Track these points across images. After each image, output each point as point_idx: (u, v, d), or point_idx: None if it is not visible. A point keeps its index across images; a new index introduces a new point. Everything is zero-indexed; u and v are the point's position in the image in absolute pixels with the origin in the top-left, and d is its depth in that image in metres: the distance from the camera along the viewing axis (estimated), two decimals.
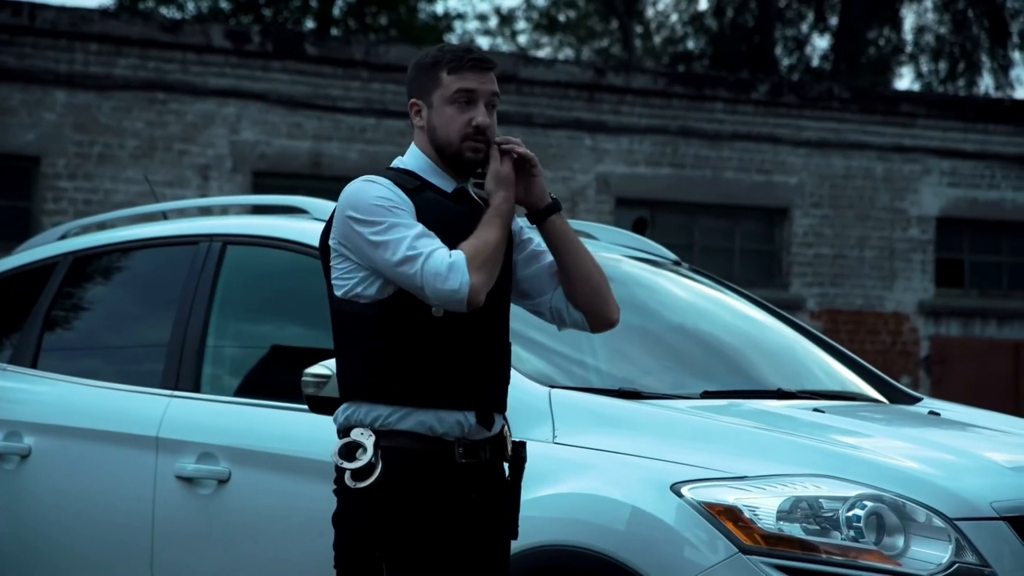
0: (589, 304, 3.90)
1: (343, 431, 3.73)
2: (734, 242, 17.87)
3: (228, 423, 4.97)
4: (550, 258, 3.92)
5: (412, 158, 3.86)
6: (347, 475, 3.67)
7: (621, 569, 4.10)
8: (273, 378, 5.09)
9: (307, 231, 5.12)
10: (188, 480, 4.95)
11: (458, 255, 3.62)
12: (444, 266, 3.60)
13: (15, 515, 5.42)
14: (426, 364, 3.67)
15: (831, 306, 17.72)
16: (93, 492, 5.24)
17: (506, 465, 3.83)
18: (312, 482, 4.66)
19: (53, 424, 5.41)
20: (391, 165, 3.88)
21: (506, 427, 3.85)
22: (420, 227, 3.66)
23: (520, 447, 3.84)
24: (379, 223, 3.67)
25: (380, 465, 3.65)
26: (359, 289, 3.71)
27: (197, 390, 5.14)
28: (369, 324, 3.70)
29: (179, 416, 5.08)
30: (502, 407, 3.82)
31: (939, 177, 18.41)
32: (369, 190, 3.73)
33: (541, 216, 3.87)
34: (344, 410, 3.76)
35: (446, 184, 3.83)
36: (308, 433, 4.68)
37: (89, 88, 15.10)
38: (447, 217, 3.74)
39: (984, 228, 18.70)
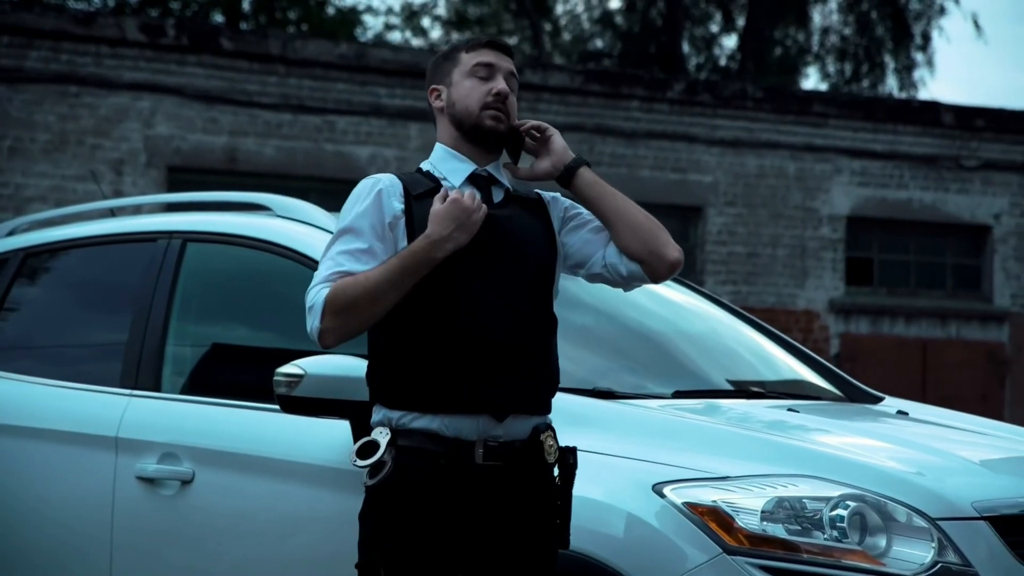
0: (642, 249, 3.82)
1: (369, 431, 3.69)
2: None
3: (191, 423, 4.86)
4: (595, 222, 3.88)
5: (433, 153, 3.83)
6: (365, 473, 3.60)
7: (603, 570, 4.05)
8: (238, 377, 4.99)
9: (270, 228, 5.05)
10: (150, 481, 4.85)
11: (318, 298, 3.54)
12: (308, 302, 3.57)
13: None
14: (429, 368, 3.61)
15: (744, 303, 17.80)
16: (48, 493, 5.11)
17: (555, 471, 3.75)
18: (281, 483, 4.60)
19: (5, 424, 5.28)
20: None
21: (548, 432, 3.76)
22: (356, 246, 3.59)
23: (568, 453, 3.77)
24: (341, 222, 3.67)
25: (391, 463, 3.58)
26: None
27: (157, 389, 5.03)
28: (377, 330, 3.67)
29: (139, 416, 4.97)
30: (532, 408, 3.73)
31: (849, 177, 18.58)
32: (359, 186, 3.71)
33: (568, 175, 3.81)
34: (373, 413, 3.71)
35: (464, 168, 3.78)
36: (277, 434, 4.61)
37: None
38: None
39: (893, 227, 18.90)
